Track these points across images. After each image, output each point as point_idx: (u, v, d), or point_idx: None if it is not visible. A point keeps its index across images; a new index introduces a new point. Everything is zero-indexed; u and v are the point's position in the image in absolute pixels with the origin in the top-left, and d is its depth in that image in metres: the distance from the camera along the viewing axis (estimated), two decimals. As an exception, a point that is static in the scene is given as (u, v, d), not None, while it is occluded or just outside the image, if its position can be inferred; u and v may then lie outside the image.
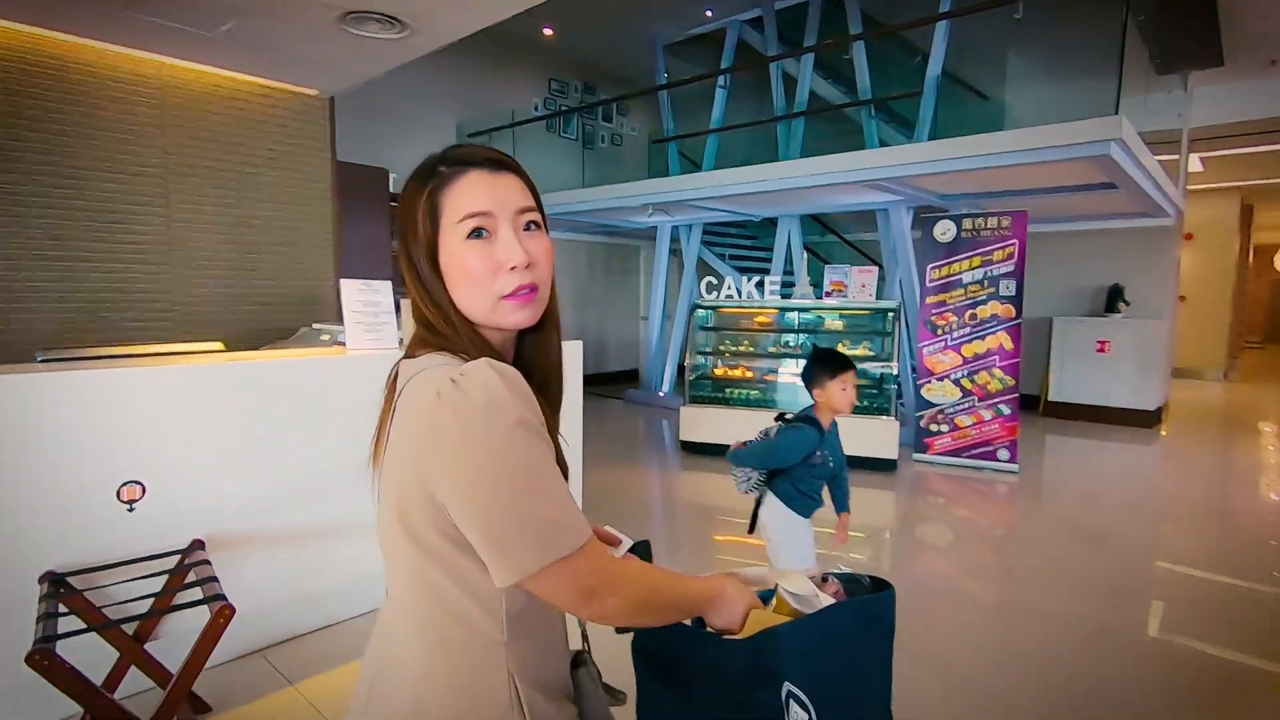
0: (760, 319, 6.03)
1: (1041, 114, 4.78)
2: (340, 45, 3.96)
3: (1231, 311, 10.75)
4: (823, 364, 2.28)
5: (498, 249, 0.79)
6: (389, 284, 2.79)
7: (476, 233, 0.79)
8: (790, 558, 2.32)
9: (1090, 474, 5.49)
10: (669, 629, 0.86)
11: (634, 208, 7.14)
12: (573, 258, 9.60)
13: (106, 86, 4.05)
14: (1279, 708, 2.29)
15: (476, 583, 0.75)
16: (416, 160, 0.85)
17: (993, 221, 5.19)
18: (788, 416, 2.37)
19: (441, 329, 0.81)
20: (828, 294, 5.54)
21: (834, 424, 2.35)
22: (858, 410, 5.00)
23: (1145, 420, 7.00)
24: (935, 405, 5.41)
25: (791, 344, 5.94)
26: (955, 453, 5.38)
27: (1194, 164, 8.47)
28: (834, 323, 5.76)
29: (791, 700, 0.82)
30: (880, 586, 0.92)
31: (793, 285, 5.99)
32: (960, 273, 5.28)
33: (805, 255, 7.82)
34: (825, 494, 2.42)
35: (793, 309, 5.89)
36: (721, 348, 6.15)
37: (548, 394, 0.88)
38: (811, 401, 2.34)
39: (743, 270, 8.58)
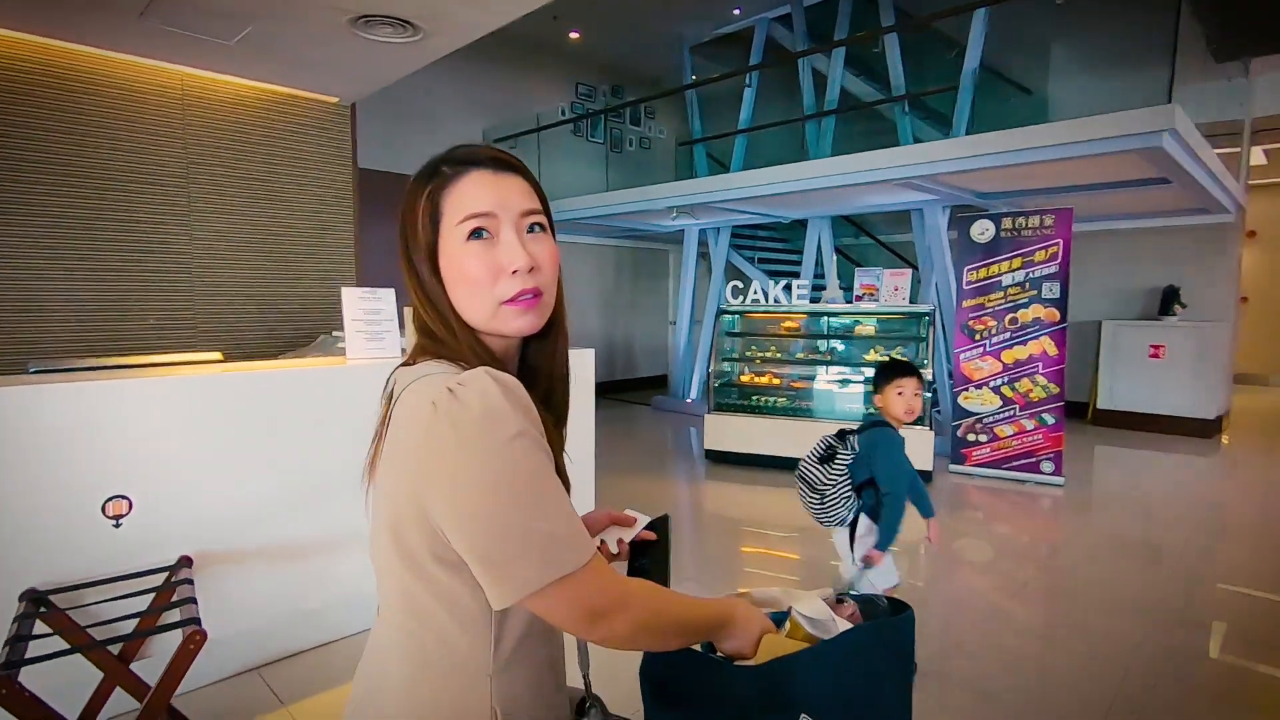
0: (788, 324, 5.83)
1: (1088, 108, 4.49)
2: (355, 50, 3.94)
3: (1299, 313, 10.13)
4: (882, 371, 2.33)
5: (499, 251, 0.76)
6: (391, 291, 2.72)
7: (477, 234, 0.76)
8: (879, 572, 2.24)
9: (1143, 487, 5.13)
10: (678, 654, 0.81)
11: (660, 210, 7.01)
12: (601, 262, 9.53)
13: (129, 97, 4.10)
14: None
15: (466, 609, 0.72)
16: None
17: (1034, 220, 4.90)
18: (851, 429, 2.32)
19: (441, 335, 0.79)
20: (858, 298, 5.32)
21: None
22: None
23: (1204, 429, 6.58)
24: (973, 414, 5.15)
25: (821, 350, 5.73)
26: (995, 464, 5.10)
27: (1257, 156, 7.99)
28: (865, 327, 5.52)
29: None
30: (899, 608, 0.87)
31: (823, 289, 5.77)
32: (1000, 274, 5.01)
33: (835, 258, 7.59)
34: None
35: (822, 313, 5.68)
36: (748, 354, 5.97)
37: (552, 405, 0.85)
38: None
39: (773, 274, 8.38)
